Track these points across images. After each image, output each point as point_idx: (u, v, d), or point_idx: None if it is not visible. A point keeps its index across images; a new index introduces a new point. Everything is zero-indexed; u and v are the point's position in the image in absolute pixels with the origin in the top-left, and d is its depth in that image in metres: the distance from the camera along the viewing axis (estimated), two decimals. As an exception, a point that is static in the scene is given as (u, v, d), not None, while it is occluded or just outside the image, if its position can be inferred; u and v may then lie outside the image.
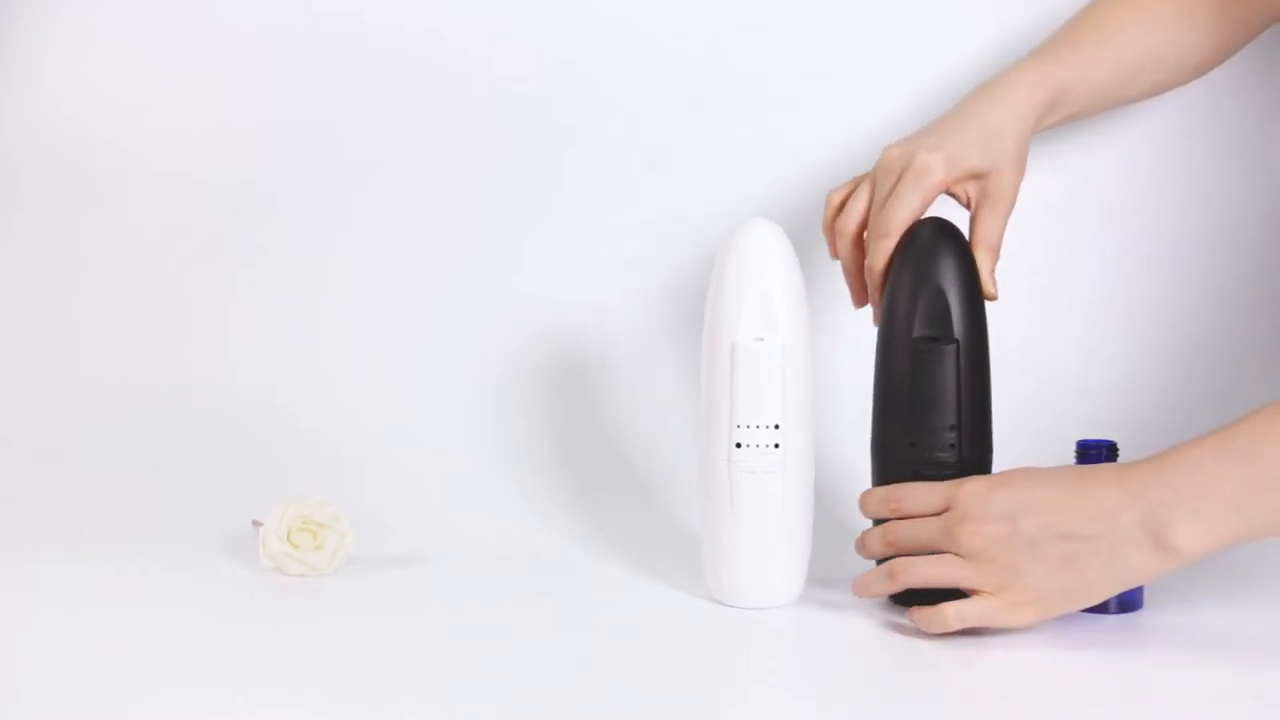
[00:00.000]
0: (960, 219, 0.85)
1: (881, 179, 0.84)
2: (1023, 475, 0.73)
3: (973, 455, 0.79)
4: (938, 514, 0.74)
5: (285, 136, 1.14)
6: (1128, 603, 0.78)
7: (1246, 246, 1.03)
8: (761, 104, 1.08)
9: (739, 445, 0.78)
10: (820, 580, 0.83)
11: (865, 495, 0.80)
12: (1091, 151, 1.03)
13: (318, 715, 0.65)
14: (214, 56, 1.14)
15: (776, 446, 0.78)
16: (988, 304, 0.82)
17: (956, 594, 0.73)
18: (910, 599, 0.76)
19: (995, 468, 0.81)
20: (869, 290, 0.83)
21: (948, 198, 0.86)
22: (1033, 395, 1.01)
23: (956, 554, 0.72)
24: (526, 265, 1.10)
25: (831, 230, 0.87)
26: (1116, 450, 0.79)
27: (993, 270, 0.83)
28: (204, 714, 0.65)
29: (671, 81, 1.08)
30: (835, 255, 0.87)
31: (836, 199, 0.87)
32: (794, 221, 0.93)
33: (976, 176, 0.84)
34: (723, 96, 1.08)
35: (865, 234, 0.84)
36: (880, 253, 0.81)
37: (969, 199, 0.85)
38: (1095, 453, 0.79)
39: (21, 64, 1.16)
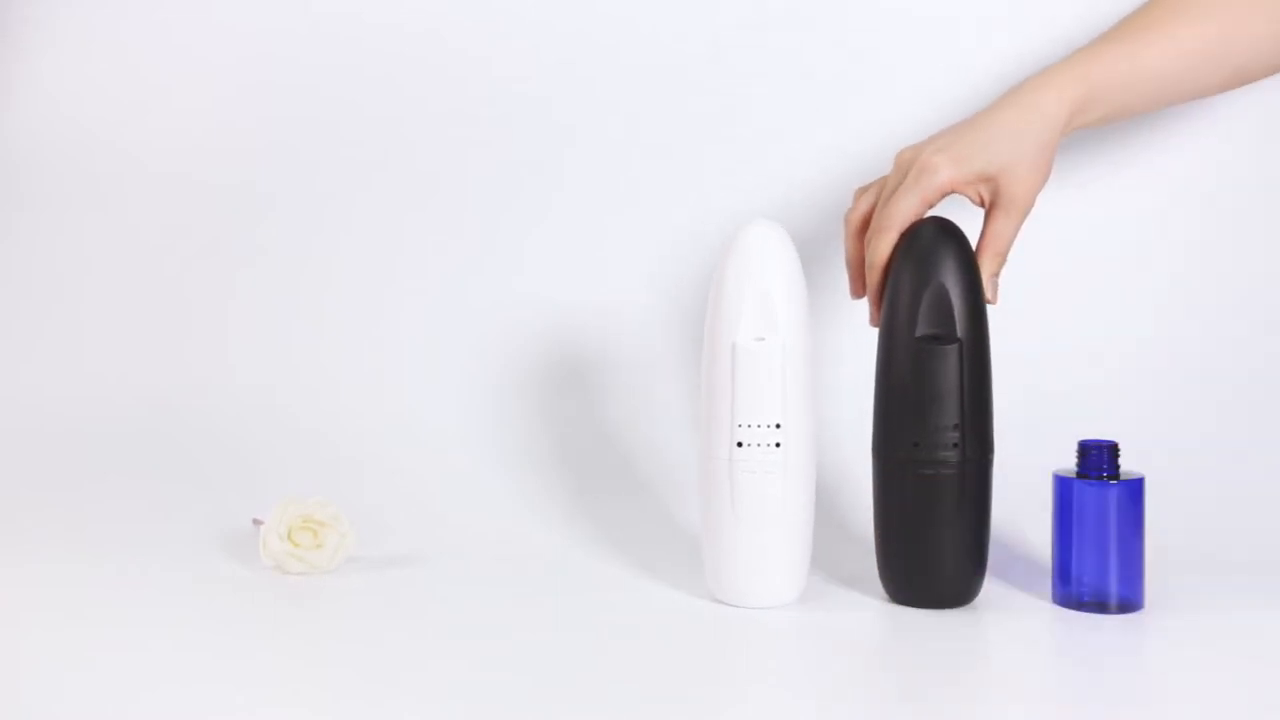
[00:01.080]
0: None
1: (892, 178, 0.85)
2: None
3: (974, 454, 0.79)
4: None
5: (285, 136, 1.14)
6: (1128, 603, 0.78)
7: (1247, 247, 1.03)
8: (761, 103, 1.08)
9: (740, 445, 0.78)
10: (820, 580, 0.83)
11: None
12: (1095, 152, 1.03)
13: (318, 715, 0.65)
14: (214, 56, 1.15)
15: (777, 446, 0.78)
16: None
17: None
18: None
19: (996, 468, 0.81)
20: (867, 287, 0.83)
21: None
22: (1033, 395, 1.01)
23: None
24: (527, 265, 1.10)
25: None
26: (1118, 450, 0.79)
27: (995, 275, 0.83)
28: (204, 714, 0.65)
29: (671, 81, 1.08)
30: None
31: (859, 195, 0.87)
32: (794, 221, 0.93)
33: (986, 179, 0.84)
34: (723, 96, 1.08)
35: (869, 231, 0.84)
36: (876, 248, 0.81)
37: (982, 200, 0.85)
38: (1096, 453, 0.79)
39: (21, 64, 1.16)
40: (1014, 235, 0.84)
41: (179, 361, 1.13)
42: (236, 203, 1.15)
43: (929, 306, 0.78)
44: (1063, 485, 0.80)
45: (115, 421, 1.11)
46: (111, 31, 1.16)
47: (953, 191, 0.83)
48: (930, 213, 0.83)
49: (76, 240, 1.17)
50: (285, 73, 1.14)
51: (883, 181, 0.86)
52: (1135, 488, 0.78)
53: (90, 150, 1.16)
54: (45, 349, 1.15)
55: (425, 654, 0.73)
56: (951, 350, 0.78)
